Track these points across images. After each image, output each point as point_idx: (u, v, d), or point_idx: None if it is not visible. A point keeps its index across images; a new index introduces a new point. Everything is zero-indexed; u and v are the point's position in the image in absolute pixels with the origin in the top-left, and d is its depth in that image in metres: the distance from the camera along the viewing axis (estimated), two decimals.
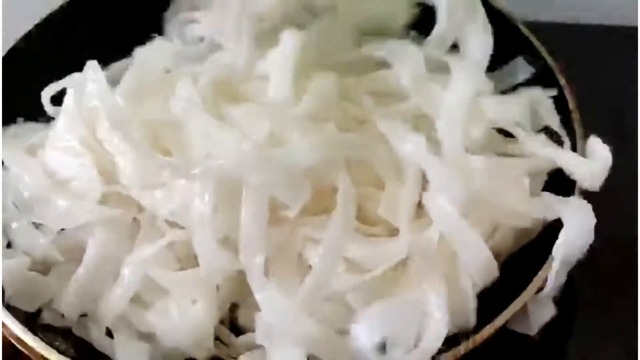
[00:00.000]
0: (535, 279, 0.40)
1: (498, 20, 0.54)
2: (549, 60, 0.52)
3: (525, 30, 0.54)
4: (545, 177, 0.47)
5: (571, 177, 0.45)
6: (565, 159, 0.45)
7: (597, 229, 0.50)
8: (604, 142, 0.46)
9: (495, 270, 0.42)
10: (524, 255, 0.44)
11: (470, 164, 0.43)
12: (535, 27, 0.56)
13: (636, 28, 0.74)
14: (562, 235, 0.41)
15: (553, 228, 0.42)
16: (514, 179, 0.44)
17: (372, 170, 0.44)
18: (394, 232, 0.43)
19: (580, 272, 0.53)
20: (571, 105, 0.49)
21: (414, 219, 0.43)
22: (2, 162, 0.48)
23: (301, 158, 0.40)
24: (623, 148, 0.63)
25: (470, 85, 0.48)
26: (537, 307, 0.41)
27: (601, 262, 0.55)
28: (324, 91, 0.47)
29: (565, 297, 0.52)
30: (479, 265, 0.41)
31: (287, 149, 0.42)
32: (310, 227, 0.42)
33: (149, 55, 0.50)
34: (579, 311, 0.53)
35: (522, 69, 0.53)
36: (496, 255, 0.43)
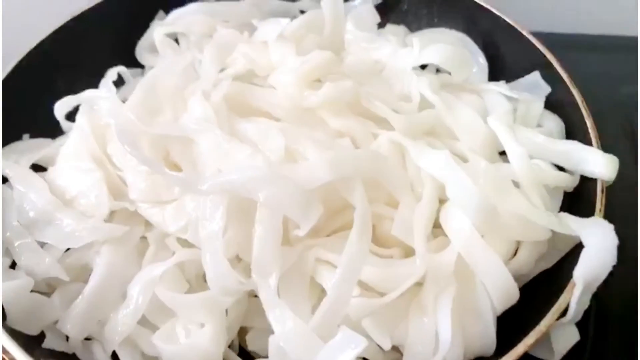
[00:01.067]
0: (557, 304, 0.38)
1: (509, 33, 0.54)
2: (564, 75, 0.50)
3: (539, 45, 0.53)
4: (562, 196, 0.46)
5: (587, 170, 0.44)
6: (581, 151, 0.45)
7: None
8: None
9: (516, 294, 0.40)
10: (545, 279, 0.43)
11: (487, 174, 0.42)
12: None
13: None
14: (583, 257, 0.39)
15: (575, 254, 0.40)
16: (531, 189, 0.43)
17: (385, 188, 0.42)
18: (409, 252, 0.41)
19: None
20: (584, 112, 0.48)
21: (430, 238, 0.42)
22: (4, 179, 0.47)
23: (315, 176, 0.39)
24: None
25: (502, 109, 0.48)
26: (560, 332, 0.39)
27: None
28: (340, 88, 0.46)
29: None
30: (498, 288, 0.39)
31: (300, 165, 0.41)
32: (322, 248, 0.40)
33: (160, 71, 0.48)
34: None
35: (540, 85, 0.52)
36: (517, 278, 0.41)
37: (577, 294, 0.38)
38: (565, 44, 0.75)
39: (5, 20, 0.59)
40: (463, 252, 0.39)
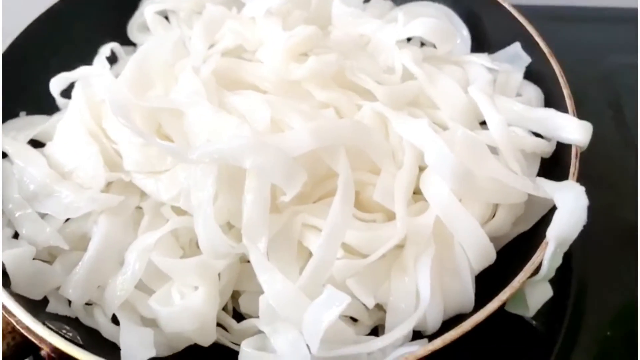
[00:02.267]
0: (530, 262, 0.40)
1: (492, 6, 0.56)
2: (543, 46, 0.52)
3: (521, 18, 0.55)
4: (539, 161, 0.48)
5: (563, 136, 0.46)
6: (557, 118, 0.47)
7: (596, 211, 0.52)
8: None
9: (493, 254, 0.42)
10: (523, 241, 0.45)
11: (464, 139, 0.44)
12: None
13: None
14: (555, 217, 0.41)
15: (551, 216, 0.42)
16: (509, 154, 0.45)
17: (368, 156, 0.44)
18: (391, 217, 0.43)
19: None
20: (562, 81, 0.50)
21: (410, 203, 0.44)
22: (3, 154, 0.49)
23: (299, 144, 0.40)
24: (623, 133, 0.66)
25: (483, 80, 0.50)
26: (534, 289, 0.42)
27: (600, 244, 0.57)
28: (325, 61, 0.47)
29: (560, 281, 0.54)
30: (475, 249, 0.42)
31: (285, 134, 0.42)
32: (308, 213, 0.42)
33: (150, 47, 0.50)
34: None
35: (521, 57, 0.54)
36: (494, 239, 0.43)
37: (549, 252, 0.40)
38: (552, 16, 0.78)
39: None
40: (441, 215, 0.42)
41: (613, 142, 0.66)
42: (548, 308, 0.54)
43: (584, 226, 0.54)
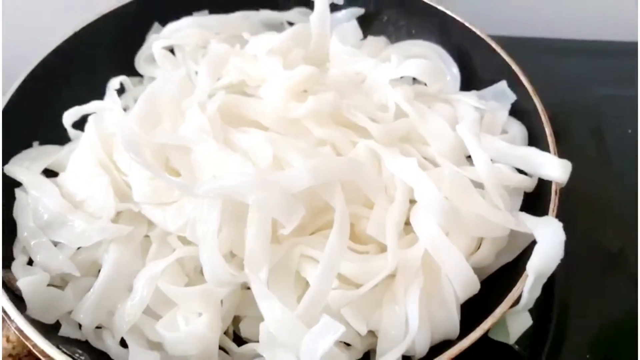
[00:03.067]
0: (511, 293, 0.43)
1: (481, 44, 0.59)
2: (527, 85, 0.55)
3: (506, 57, 0.58)
4: (522, 196, 0.51)
5: (543, 173, 0.49)
6: (538, 156, 0.50)
7: (578, 237, 0.56)
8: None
9: (477, 285, 0.45)
10: (505, 272, 0.48)
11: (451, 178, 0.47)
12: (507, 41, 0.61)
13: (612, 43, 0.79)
14: (535, 252, 0.44)
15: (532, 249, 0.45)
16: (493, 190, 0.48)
17: (362, 191, 0.47)
18: (384, 248, 0.46)
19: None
20: (544, 119, 0.53)
21: (401, 236, 0.47)
22: (18, 184, 0.52)
23: (298, 181, 0.43)
24: (604, 161, 0.69)
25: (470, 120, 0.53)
26: (514, 318, 0.45)
27: (581, 269, 0.61)
28: (323, 100, 0.51)
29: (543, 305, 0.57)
30: (460, 280, 0.45)
31: (285, 172, 0.45)
32: (306, 245, 0.45)
33: (158, 84, 0.53)
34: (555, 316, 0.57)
35: (506, 94, 0.57)
36: (479, 270, 0.47)
37: (528, 284, 0.44)
38: (542, 49, 0.82)
39: (12, 35, 0.63)
40: (429, 248, 0.45)
41: (595, 170, 0.69)
42: (531, 332, 0.57)
43: (567, 252, 0.58)
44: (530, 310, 0.58)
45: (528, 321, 0.46)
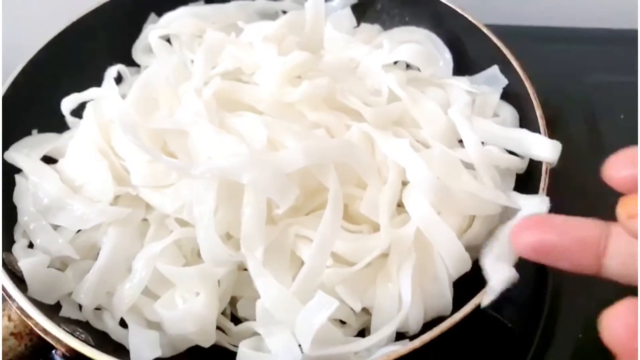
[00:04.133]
0: None
1: (473, 30, 0.60)
2: (519, 69, 0.56)
3: (498, 42, 0.59)
4: (514, 177, 0.52)
5: (534, 154, 0.50)
6: (529, 137, 0.51)
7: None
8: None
9: (469, 262, 0.46)
10: None
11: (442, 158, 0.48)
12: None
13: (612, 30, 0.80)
14: (517, 216, 0.45)
15: None
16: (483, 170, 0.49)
17: (356, 172, 0.48)
18: (377, 228, 0.47)
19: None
20: (535, 103, 0.54)
21: (394, 215, 0.48)
22: (18, 170, 0.53)
23: (292, 162, 0.44)
24: (597, 147, 0.70)
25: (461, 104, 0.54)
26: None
27: None
28: (317, 85, 0.51)
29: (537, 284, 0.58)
30: (452, 257, 0.46)
31: (280, 153, 0.46)
32: (301, 225, 0.46)
33: (153, 70, 0.54)
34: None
35: (498, 79, 0.58)
36: (472, 249, 0.47)
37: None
38: (534, 36, 0.83)
39: (10, 25, 0.64)
40: (421, 226, 0.45)
41: (588, 157, 0.70)
42: (525, 312, 0.58)
43: None
44: (524, 290, 0.59)
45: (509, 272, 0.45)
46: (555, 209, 0.60)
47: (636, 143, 0.73)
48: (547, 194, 0.49)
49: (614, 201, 0.64)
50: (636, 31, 0.78)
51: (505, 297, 0.55)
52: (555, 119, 0.65)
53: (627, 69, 0.77)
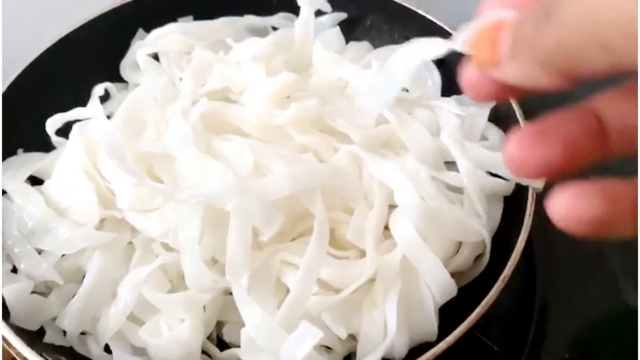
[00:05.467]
0: (487, 298, 0.44)
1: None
2: None
3: None
4: (502, 201, 0.52)
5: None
6: None
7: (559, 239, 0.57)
8: None
9: (454, 289, 0.46)
10: (481, 278, 0.49)
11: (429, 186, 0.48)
12: None
13: None
14: None
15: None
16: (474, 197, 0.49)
17: (342, 197, 0.48)
18: (363, 253, 0.47)
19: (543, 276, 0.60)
20: (519, 114, 0.54)
21: (381, 240, 0.48)
22: (2, 192, 0.52)
23: (277, 189, 0.44)
24: None
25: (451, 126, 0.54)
26: None
27: (562, 270, 0.62)
28: (305, 108, 0.51)
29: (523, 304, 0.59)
30: (438, 284, 0.46)
31: (266, 179, 0.46)
32: (286, 251, 0.46)
33: (141, 91, 0.54)
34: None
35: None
36: (458, 275, 0.48)
37: None
38: None
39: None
40: (407, 252, 0.45)
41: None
42: (511, 332, 0.59)
43: (546, 255, 0.59)
44: (511, 312, 0.59)
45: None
46: (542, 224, 0.61)
47: (623, 156, 0.75)
48: (534, 216, 0.49)
49: None
50: None
51: (492, 318, 0.56)
52: None
53: (612, 80, 0.78)
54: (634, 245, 0.63)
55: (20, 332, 0.44)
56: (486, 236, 0.48)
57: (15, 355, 0.42)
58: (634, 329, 0.57)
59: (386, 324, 0.45)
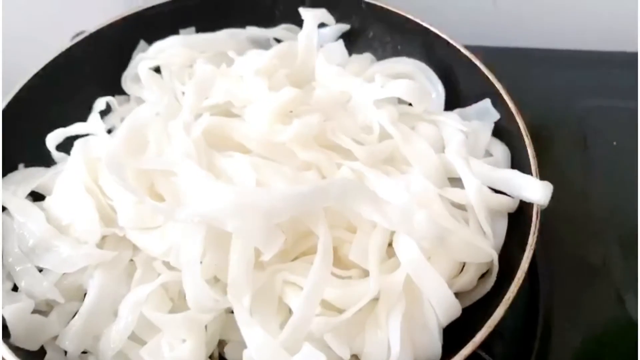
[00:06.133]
0: (491, 319, 0.44)
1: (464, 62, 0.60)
2: (511, 104, 0.56)
3: (490, 75, 0.58)
4: (507, 218, 0.52)
5: (525, 196, 0.50)
6: (520, 179, 0.51)
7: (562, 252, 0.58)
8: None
9: (458, 309, 0.46)
10: (486, 298, 0.49)
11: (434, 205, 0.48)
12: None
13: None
14: None
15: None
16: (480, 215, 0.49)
17: (345, 216, 0.48)
18: (367, 272, 0.47)
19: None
20: (526, 141, 0.53)
21: (384, 259, 0.47)
22: (3, 208, 0.52)
23: (278, 212, 0.43)
24: (589, 174, 0.70)
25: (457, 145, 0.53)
26: None
27: (564, 284, 0.62)
28: (307, 124, 0.51)
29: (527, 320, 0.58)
30: (442, 304, 0.45)
31: (265, 199, 0.45)
32: (289, 271, 0.46)
33: (143, 109, 0.53)
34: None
35: (490, 113, 0.58)
36: (463, 295, 0.47)
37: None
38: (527, 59, 0.82)
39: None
40: (411, 272, 0.45)
41: (579, 183, 0.70)
42: (515, 349, 0.58)
43: (550, 267, 0.59)
44: (515, 328, 0.59)
45: None
46: (546, 237, 0.61)
47: (628, 170, 0.74)
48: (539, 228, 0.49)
49: (604, 226, 0.65)
50: (629, 54, 0.78)
51: (496, 334, 0.56)
52: (545, 145, 0.65)
53: (620, 93, 0.77)
54: (637, 257, 0.62)
55: (20, 352, 0.44)
56: (495, 257, 0.47)
57: None
58: (637, 340, 0.56)
59: (390, 344, 0.44)
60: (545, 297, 0.61)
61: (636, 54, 0.77)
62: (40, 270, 0.49)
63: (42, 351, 0.47)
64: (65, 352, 0.47)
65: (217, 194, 0.45)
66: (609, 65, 0.81)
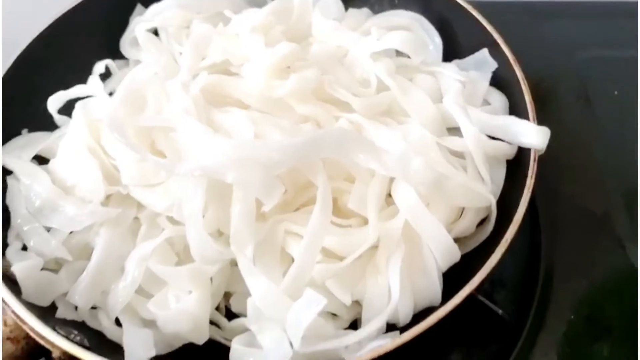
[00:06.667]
0: (488, 261, 0.44)
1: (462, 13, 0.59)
2: (508, 53, 0.56)
3: (487, 25, 0.58)
4: (505, 165, 0.52)
5: (522, 141, 0.50)
6: (517, 125, 0.51)
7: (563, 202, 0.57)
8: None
9: (457, 254, 0.47)
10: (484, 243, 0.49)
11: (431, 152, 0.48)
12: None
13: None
14: None
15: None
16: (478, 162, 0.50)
17: (344, 166, 0.48)
18: (366, 221, 0.47)
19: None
20: (524, 88, 0.53)
21: (383, 207, 0.48)
22: (9, 171, 0.53)
23: (278, 162, 0.44)
24: (590, 125, 0.70)
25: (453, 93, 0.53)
26: None
27: (566, 233, 0.62)
28: (305, 78, 0.51)
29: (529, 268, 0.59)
30: (441, 249, 0.46)
31: (264, 150, 0.46)
32: (290, 222, 0.47)
33: (141, 68, 0.53)
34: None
35: (488, 62, 0.58)
36: (462, 241, 0.48)
37: None
38: (526, 12, 0.81)
39: None
40: (409, 219, 0.46)
41: (580, 134, 0.70)
42: (517, 297, 0.59)
43: (552, 216, 0.59)
44: (517, 276, 0.59)
45: None
46: (547, 188, 0.61)
47: (629, 120, 0.74)
48: (538, 176, 0.49)
49: (606, 176, 0.66)
50: (629, 3, 0.77)
51: (498, 282, 0.57)
52: (546, 97, 0.65)
53: (620, 44, 0.77)
54: (638, 205, 0.63)
55: (32, 308, 0.45)
56: (492, 201, 0.48)
57: (28, 330, 0.43)
58: (638, 287, 0.57)
59: (390, 289, 0.45)
60: (546, 246, 0.61)
61: (636, 3, 0.76)
62: (48, 230, 0.50)
63: (53, 307, 0.48)
64: (76, 308, 0.48)
65: (216, 147, 0.46)
66: (608, 16, 0.80)
